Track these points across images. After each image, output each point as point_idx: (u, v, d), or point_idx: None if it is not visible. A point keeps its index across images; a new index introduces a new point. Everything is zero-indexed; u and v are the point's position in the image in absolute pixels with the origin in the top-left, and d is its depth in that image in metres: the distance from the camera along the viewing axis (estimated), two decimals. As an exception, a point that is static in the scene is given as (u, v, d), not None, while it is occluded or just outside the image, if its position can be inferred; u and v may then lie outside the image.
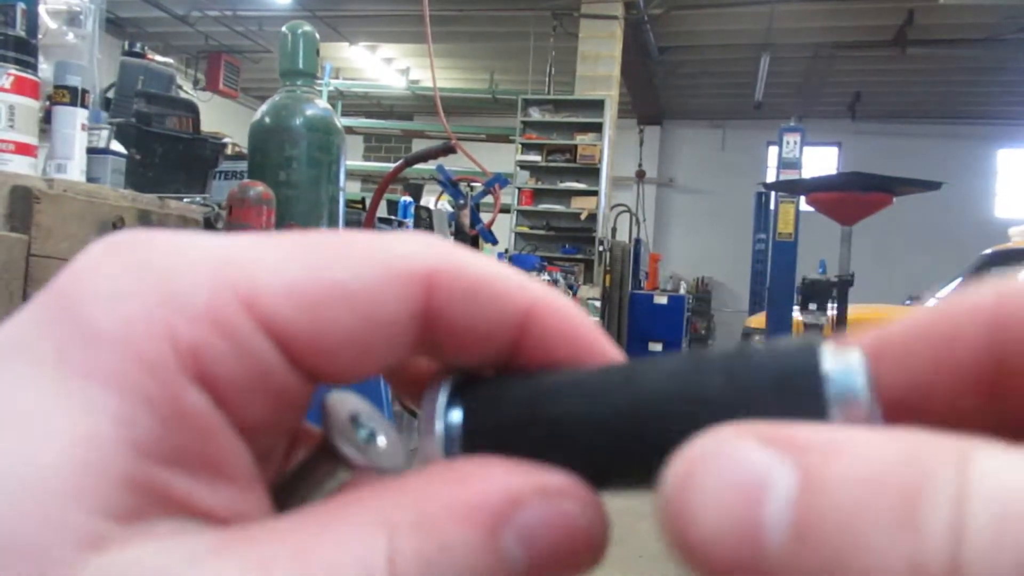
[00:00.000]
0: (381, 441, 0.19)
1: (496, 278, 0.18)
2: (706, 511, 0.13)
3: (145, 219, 1.78)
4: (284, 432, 0.19)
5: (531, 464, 0.16)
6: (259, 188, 1.91)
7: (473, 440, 0.18)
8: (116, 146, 1.97)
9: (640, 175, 11.67)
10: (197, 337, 0.15)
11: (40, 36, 1.75)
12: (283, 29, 2.20)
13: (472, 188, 4.63)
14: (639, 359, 0.17)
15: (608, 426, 0.16)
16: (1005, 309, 0.15)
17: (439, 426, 0.18)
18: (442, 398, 0.18)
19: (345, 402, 0.20)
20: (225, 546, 0.15)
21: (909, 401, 0.16)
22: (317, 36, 2.22)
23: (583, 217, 7.88)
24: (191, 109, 2.23)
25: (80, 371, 0.15)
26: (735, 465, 0.13)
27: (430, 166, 4.01)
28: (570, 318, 0.19)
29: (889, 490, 0.12)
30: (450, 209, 4.25)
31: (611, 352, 0.19)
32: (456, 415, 0.18)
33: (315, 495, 0.19)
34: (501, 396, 0.18)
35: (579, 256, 7.86)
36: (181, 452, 0.15)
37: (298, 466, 0.20)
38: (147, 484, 0.15)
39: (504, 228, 7.34)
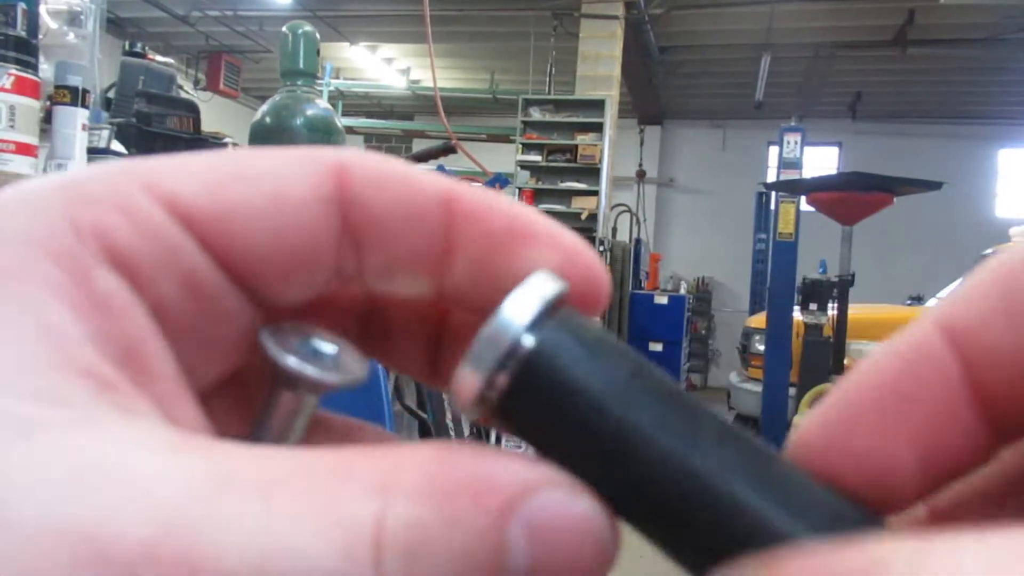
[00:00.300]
0: (329, 348, 0.17)
1: (408, 169, 0.17)
2: None
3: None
4: (223, 352, 0.18)
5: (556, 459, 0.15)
6: (259, 188, 1.91)
7: (512, 407, 0.15)
8: (117, 146, 1.97)
9: (640, 175, 11.66)
10: (99, 219, 0.15)
11: (41, 36, 1.75)
12: (283, 29, 2.20)
13: (473, 188, 4.63)
14: (741, 430, 0.15)
15: (680, 485, 0.14)
16: None
17: (503, 342, 0.15)
18: (532, 306, 0.15)
19: (287, 329, 0.17)
20: (187, 446, 0.13)
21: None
22: (318, 36, 2.22)
23: (583, 217, 7.88)
24: (192, 109, 2.23)
25: None
26: None
27: (431, 166, 4.00)
28: (499, 205, 0.17)
29: None
30: (450, 209, 4.25)
31: (554, 233, 0.17)
32: (528, 341, 0.15)
33: (289, 432, 0.18)
34: (570, 374, 0.15)
35: (580, 256, 7.85)
36: (100, 336, 0.14)
37: (263, 403, 0.18)
38: (71, 366, 0.14)
39: (504, 228, 7.32)
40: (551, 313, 0.15)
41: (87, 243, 0.15)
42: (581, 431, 0.15)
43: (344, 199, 0.17)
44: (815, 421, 0.15)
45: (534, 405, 0.15)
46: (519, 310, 0.15)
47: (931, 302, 6.40)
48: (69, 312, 0.14)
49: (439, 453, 0.14)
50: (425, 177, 0.17)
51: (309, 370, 0.17)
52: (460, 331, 0.20)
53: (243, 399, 0.19)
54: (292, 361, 0.16)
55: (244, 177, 0.16)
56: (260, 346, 0.17)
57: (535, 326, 0.15)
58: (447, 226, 0.17)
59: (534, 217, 0.18)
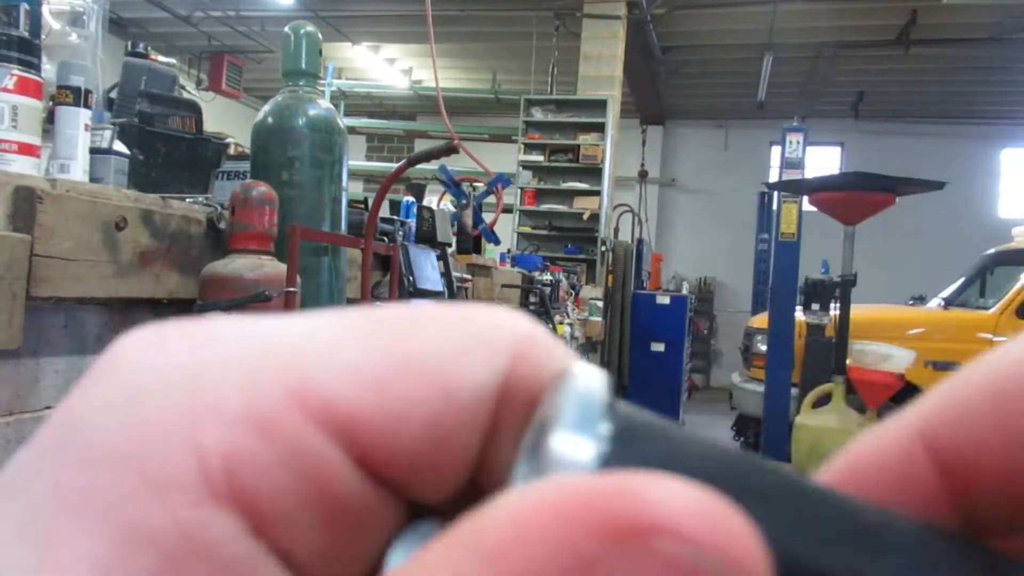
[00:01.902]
0: None
1: (562, 354, 0.15)
2: None
3: (148, 219, 1.78)
4: (360, 562, 0.14)
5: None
6: (262, 188, 1.91)
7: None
8: (119, 146, 1.97)
9: (643, 175, 11.67)
10: (231, 444, 0.12)
11: (43, 36, 1.75)
12: (286, 29, 2.20)
13: (475, 188, 4.63)
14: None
15: None
16: None
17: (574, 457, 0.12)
18: (595, 399, 0.13)
19: (420, 530, 0.14)
20: None
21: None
22: (320, 36, 2.22)
23: (586, 217, 7.88)
24: (194, 109, 2.23)
25: (73, 505, 0.11)
26: None
27: (433, 166, 4.01)
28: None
29: None
30: (453, 209, 4.25)
31: None
32: (606, 430, 0.12)
33: None
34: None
35: (582, 256, 7.86)
36: None
37: None
38: None
39: (507, 228, 7.34)
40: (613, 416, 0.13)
41: (211, 476, 0.12)
42: None
43: (512, 393, 0.14)
44: None
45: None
46: (580, 415, 0.12)
47: (933, 302, 6.39)
48: (161, 566, 0.11)
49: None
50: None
51: None
52: None
53: None
54: None
55: (410, 370, 0.13)
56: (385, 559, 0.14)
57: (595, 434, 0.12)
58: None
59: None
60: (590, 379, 0.13)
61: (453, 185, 4.31)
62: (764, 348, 5.74)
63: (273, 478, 0.12)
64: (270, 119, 2.14)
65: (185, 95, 2.52)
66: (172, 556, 0.11)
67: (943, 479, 0.14)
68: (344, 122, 2.29)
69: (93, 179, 1.79)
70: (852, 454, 0.15)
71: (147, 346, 0.13)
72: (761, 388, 5.67)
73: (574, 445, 0.12)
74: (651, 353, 7.53)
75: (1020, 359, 0.14)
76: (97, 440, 0.12)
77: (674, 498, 0.10)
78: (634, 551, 0.10)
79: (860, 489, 0.14)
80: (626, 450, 0.12)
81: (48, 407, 1.66)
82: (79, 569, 0.11)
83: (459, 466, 0.14)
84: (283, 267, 1.89)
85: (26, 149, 1.53)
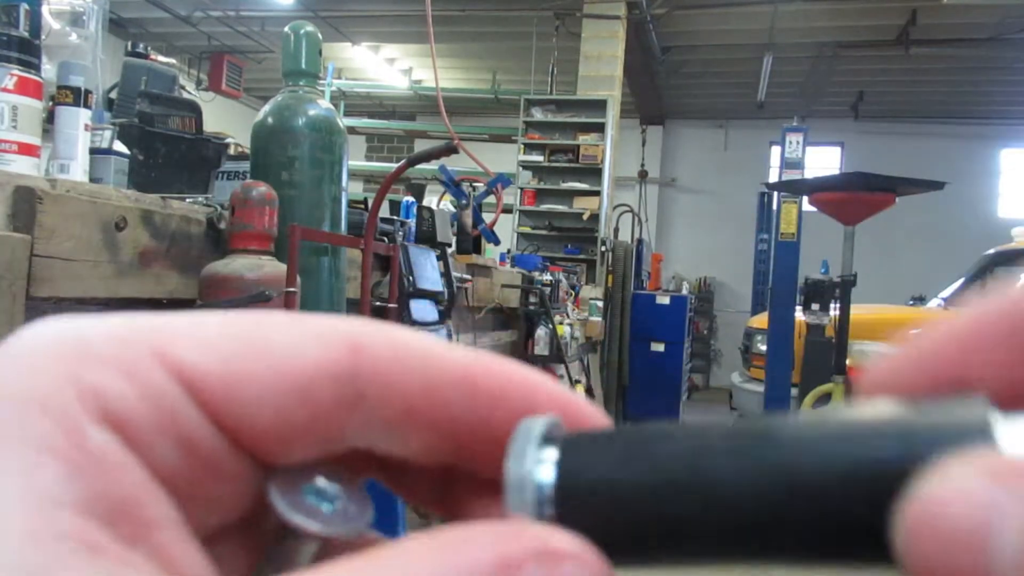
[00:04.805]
0: (337, 505, 0.18)
1: (422, 342, 0.18)
2: (955, 560, 0.13)
3: (148, 219, 1.78)
4: (227, 505, 0.18)
5: (552, 527, 0.15)
6: (262, 188, 1.91)
7: (569, 502, 0.15)
8: (119, 146, 1.97)
9: (642, 175, 11.67)
10: (100, 380, 0.15)
11: (43, 36, 1.75)
12: (286, 29, 2.20)
13: (475, 188, 4.63)
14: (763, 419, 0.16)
15: (771, 497, 0.14)
16: None
17: (528, 482, 0.16)
18: (532, 445, 0.16)
19: (294, 473, 0.18)
20: None
21: None
22: (320, 36, 2.22)
23: (585, 217, 7.88)
24: (194, 109, 2.23)
25: None
26: (984, 508, 0.13)
27: (432, 166, 4.00)
28: (520, 377, 0.18)
29: None
30: (452, 209, 4.25)
31: (581, 406, 0.18)
32: (546, 470, 0.16)
33: (295, 567, 0.19)
34: (612, 451, 0.15)
35: (581, 256, 7.85)
36: (91, 494, 0.15)
37: (267, 551, 0.19)
38: (58, 535, 0.14)
39: (506, 228, 7.34)
40: (552, 442, 0.16)
41: (86, 403, 0.15)
42: (659, 501, 0.15)
43: (358, 375, 0.17)
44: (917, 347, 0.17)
45: (593, 513, 0.16)
46: (524, 459, 0.16)
47: (933, 302, 6.39)
48: (60, 472, 0.14)
49: (417, 550, 0.14)
50: (440, 349, 0.18)
51: (314, 525, 0.18)
52: (472, 466, 0.20)
53: (250, 539, 0.20)
54: (299, 518, 0.18)
55: (256, 350, 0.17)
56: (268, 500, 0.18)
57: (539, 463, 0.16)
58: (467, 398, 0.18)
59: (541, 381, 0.18)
60: (534, 423, 0.16)
61: (453, 185, 4.31)
62: (764, 348, 5.74)
63: (134, 406, 0.16)
64: (270, 119, 2.14)
65: (185, 95, 2.52)
66: (70, 461, 0.15)
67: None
68: (344, 122, 2.29)
69: (93, 179, 1.79)
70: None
71: (45, 324, 0.17)
72: (761, 388, 5.67)
73: (519, 469, 0.16)
74: (651, 353, 7.53)
75: None
76: (4, 385, 0.15)
77: (567, 542, 0.15)
78: (553, 567, 0.14)
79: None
80: (566, 459, 0.16)
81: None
82: (7, 479, 0.14)
83: (311, 437, 0.17)
84: (283, 267, 1.89)
85: (26, 149, 1.53)
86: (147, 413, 0.16)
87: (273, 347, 0.17)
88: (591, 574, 0.14)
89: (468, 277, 3.76)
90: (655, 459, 0.15)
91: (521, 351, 4.71)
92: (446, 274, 3.23)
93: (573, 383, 4.92)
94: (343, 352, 0.17)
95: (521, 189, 8.09)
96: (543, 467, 0.16)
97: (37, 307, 1.55)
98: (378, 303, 2.68)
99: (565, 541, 0.14)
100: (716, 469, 0.15)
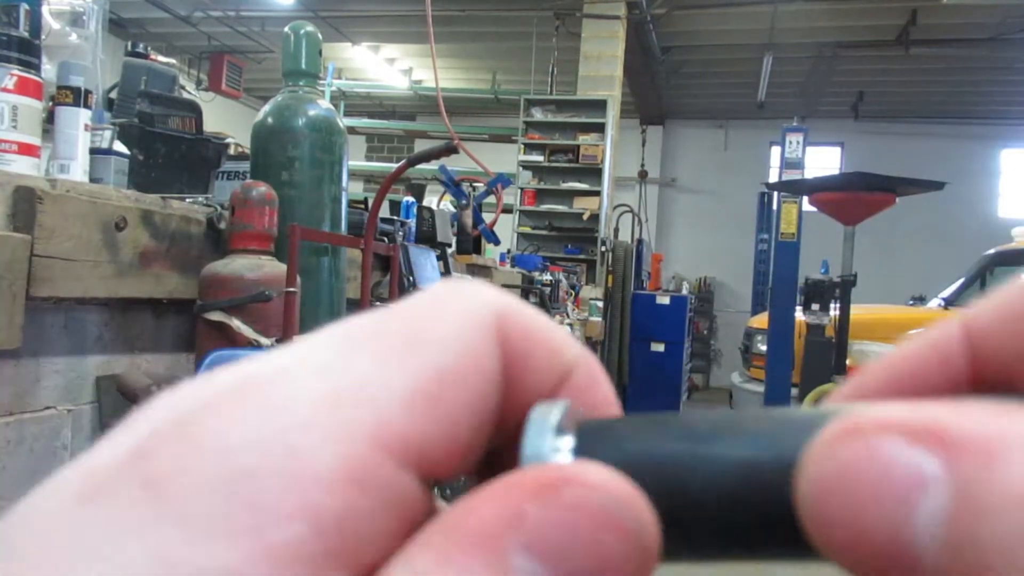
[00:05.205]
0: None
1: (548, 326, 0.17)
2: (852, 515, 0.13)
3: (148, 219, 1.78)
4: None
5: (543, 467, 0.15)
6: (262, 188, 1.91)
7: None
8: (119, 146, 1.97)
9: (642, 175, 11.67)
10: (339, 504, 0.14)
11: (43, 37, 1.75)
12: (286, 29, 2.20)
13: (475, 188, 4.63)
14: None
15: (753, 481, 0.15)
16: None
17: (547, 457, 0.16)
18: (548, 431, 0.16)
19: None
20: None
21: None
22: (320, 36, 2.23)
23: (586, 217, 7.88)
24: (194, 109, 2.23)
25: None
26: (883, 466, 0.12)
27: (433, 166, 4.00)
28: (601, 378, 0.18)
29: None
30: (453, 209, 4.25)
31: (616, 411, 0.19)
32: (566, 444, 0.16)
33: None
34: (631, 441, 0.16)
35: (581, 256, 7.86)
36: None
37: None
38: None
39: (506, 228, 7.34)
40: (567, 430, 0.16)
41: (328, 543, 0.14)
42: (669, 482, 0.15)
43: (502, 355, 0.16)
44: (868, 376, 0.18)
45: None
46: (542, 444, 0.16)
47: (933, 302, 6.39)
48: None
49: (442, 518, 0.14)
50: (560, 335, 0.18)
51: None
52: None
53: None
54: None
55: (444, 381, 0.15)
56: None
57: (556, 451, 0.16)
58: (561, 382, 0.17)
59: (612, 396, 0.19)
60: (550, 409, 0.16)
61: (453, 185, 4.32)
62: (764, 348, 5.74)
63: (371, 524, 0.14)
64: (270, 119, 2.14)
65: (185, 95, 2.52)
66: None
67: (973, 363, 0.17)
68: (344, 122, 2.29)
69: (93, 179, 1.79)
70: (912, 343, 0.18)
71: (217, 416, 0.14)
72: (761, 388, 5.67)
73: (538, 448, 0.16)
74: (651, 353, 7.53)
75: None
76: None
77: (579, 467, 0.14)
78: (551, 499, 0.13)
79: (904, 362, 0.17)
80: (582, 443, 0.16)
81: (48, 407, 1.66)
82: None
83: (485, 444, 0.16)
84: (283, 267, 1.89)
85: (26, 149, 1.53)
86: (382, 526, 0.14)
87: (463, 370, 0.16)
88: (594, 490, 0.14)
89: (468, 277, 3.76)
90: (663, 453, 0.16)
91: (521, 351, 4.70)
92: (446, 274, 3.23)
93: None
94: (499, 338, 0.16)
95: (521, 189, 8.09)
96: (560, 455, 0.16)
97: (37, 307, 1.55)
98: (378, 303, 2.68)
99: (562, 469, 0.14)
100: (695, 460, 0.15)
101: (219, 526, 0.13)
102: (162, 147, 2.12)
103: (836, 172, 9.97)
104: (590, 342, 6.37)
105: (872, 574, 0.13)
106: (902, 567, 0.12)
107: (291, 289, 1.87)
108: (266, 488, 0.13)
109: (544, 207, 8.11)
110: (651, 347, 7.54)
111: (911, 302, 6.97)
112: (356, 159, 9.82)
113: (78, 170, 1.68)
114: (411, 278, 2.84)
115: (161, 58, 2.72)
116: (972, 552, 0.12)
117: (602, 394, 0.18)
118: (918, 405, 0.13)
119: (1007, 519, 0.11)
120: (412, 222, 3.30)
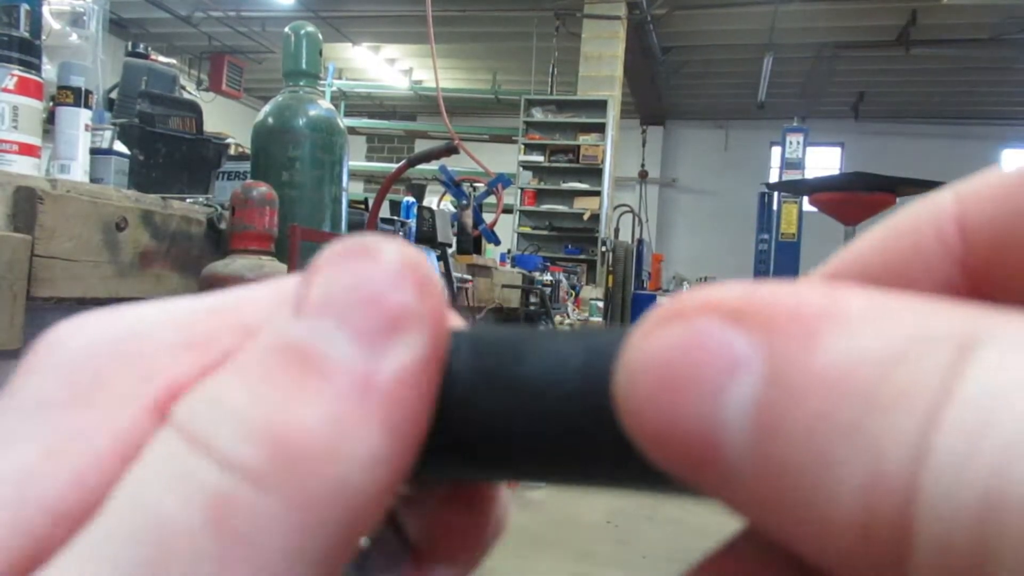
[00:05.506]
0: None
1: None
2: (661, 402, 0.11)
3: (148, 219, 1.78)
4: None
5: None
6: (262, 188, 1.91)
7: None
8: (119, 147, 1.97)
9: (643, 175, 11.67)
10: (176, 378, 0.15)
11: (44, 37, 1.75)
12: (286, 30, 2.20)
13: (475, 188, 4.63)
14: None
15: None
16: None
17: None
18: None
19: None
20: None
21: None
22: (320, 37, 2.22)
23: (586, 217, 7.88)
24: (194, 110, 2.23)
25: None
26: (695, 348, 0.11)
27: (433, 166, 4.00)
28: None
29: (856, 393, 0.10)
30: (453, 210, 4.25)
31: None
32: None
33: None
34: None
35: (582, 256, 7.86)
36: None
37: None
38: None
39: (507, 228, 7.34)
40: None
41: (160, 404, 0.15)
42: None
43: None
44: (843, 259, 0.15)
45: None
46: None
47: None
48: None
49: None
50: None
51: None
52: None
53: None
54: None
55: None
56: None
57: None
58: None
59: None
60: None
61: (453, 185, 4.32)
62: (764, 348, 5.73)
63: None
64: (270, 119, 2.14)
65: (185, 95, 2.52)
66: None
67: (963, 246, 0.15)
68: (344, 122, 2.29)
69: (93, 179, 1.79)
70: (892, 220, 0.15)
71: (80, 323, 0.16)
72: (761, 388, 5.66)
73: None
74: (651, 353, 7.52)
75: None
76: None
77: (396, 244, 0.14)
78: (368, 258, 0.13)
79: (885, 245, 0.15)
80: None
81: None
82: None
83: None
84: (283, 268, 1.89)
85: (27, 149, 1.53)
86: None
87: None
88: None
89: (468, 277, 3.76)
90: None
91: (521, 351, 4.70)
92: (446, 274, 3.24)
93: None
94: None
95: (521, 189, 8.09)
96: None
97: (38, 307, 1.55)
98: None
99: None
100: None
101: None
102: (162, 147, 2.13)
103: (836, 172, 9.97)
104: (590, 342, 6.36)
105: (686, 472, 0.11)
106: (708, 462, 0.11)
107: (291, 289, 1.87)
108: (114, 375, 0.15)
109: (544, 207, 8.11)
110: (651, 347, 7.53)
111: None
112: (356, 159, 9.83)
113: (79, 170, 1.68)
114: (411, 278, 2.84)
115: (161, 58, 2.72)
116: (776, 445, 0.10)
117: None
118: (761, 285, 0.11)
119: (814, 402, 0.10)
120: (412, 222, 3.30)
